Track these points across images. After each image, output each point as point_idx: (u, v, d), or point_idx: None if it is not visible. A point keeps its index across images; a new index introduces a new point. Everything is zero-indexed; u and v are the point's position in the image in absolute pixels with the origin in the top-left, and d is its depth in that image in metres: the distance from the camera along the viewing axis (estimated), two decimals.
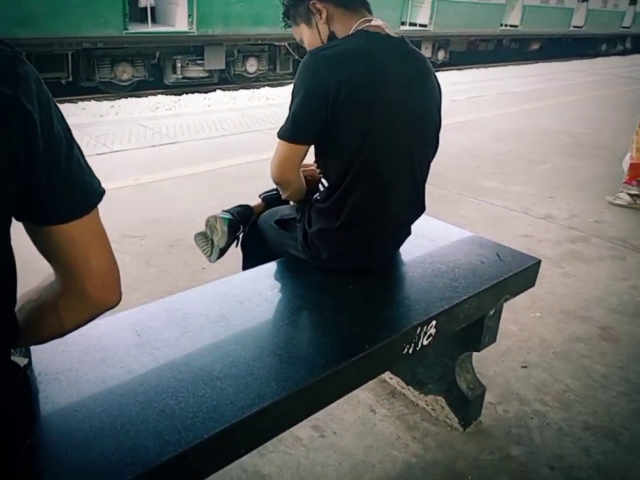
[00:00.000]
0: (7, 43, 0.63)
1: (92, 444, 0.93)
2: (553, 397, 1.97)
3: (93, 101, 8.64)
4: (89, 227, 0.75)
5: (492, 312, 1.64)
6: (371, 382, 2.01)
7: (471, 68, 14.46)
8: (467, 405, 1.79)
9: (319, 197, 1.49)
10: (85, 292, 0.77)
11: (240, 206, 1.84)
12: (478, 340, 1.68)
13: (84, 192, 0.73)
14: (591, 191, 4.17)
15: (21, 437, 0.82)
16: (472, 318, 1.56)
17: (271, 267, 1.58)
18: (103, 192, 0.76)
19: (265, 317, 1.33)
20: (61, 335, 0.86)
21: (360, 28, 1.37)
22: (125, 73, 9.36)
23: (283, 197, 1.61)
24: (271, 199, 1.83)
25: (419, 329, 1.35)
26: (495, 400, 1.95)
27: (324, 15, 1.41)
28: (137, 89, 9.55)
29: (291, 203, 1.70)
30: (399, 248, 1.63)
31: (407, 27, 12.95)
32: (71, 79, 8.79)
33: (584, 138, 5.87)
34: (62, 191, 0.70)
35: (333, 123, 1.32)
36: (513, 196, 4.02)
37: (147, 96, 9.27)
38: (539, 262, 1.71)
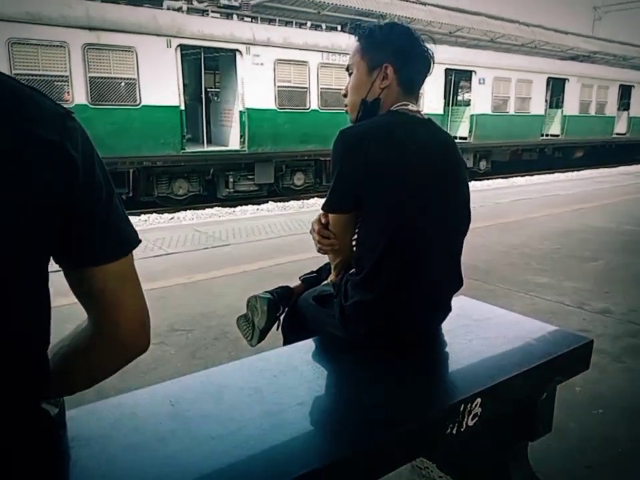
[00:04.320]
0: (60, 105, 0.73)
1: None
2: None
3: (154, 214, 9.25)
4: (123, 271, 0.79)
5: (544, 395, 1.53)
6: None
7: (515, 176, 14.71)
8: None
9: (354, 271, 1.51)
10: (115, 334, 0.80)
11: (280, 287, 1.87)
12: (531, 427, 1.55)
13: (120, 237, 0.79)
14: None
15: None
16: (521, 400, 1.46)
17: (308, 343, 1.56)
18: (138, 240, 0.81)
19: (300, 391, 1.29)
20: (91, 384, 0.87)
21: (394, 109, 1.47)
22: (181, 188, 10.11)
23: (332, 263, 1.64)
24: (309, 280, 1.85)
25: (463, 406, 1.28)
26: None
27: (385, 83, 1.48)
28: (192, 203, 10.20)
29: (327, 281, 1.72)
30: (439, 324, 1.59)
31: None
32: (131, 194, 9.52)
33: (637, 235, 5.71)
34: (99, 235, 0.76)
35: (365, 193, 1.40)
36: (566, 291, 3.88)
37: (204, 208, 9.86)
38: (591, 342, 1.62)
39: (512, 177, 14.55)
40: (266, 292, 1.84)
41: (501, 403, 1.38)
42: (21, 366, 0.72)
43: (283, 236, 5.65)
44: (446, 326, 1.63)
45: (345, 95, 1.58)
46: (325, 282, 1.76)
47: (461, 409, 1.27)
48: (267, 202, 10.49)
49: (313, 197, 11.07)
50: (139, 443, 1.08)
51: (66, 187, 0.70)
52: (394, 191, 1.39)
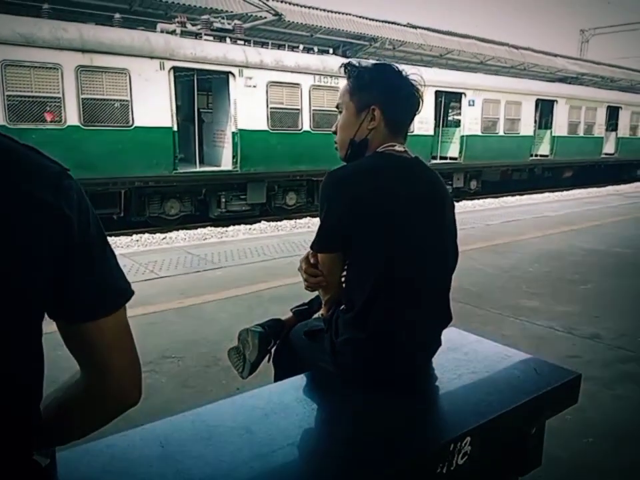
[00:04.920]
0: (55, 161, 0.75)
1: None
2: None
3: (146, 234, 9.23)
4: (115, 325, 0.80)
5: (533, 430, 1.55)
6: None
7: (506, 195, 14.86)
8: None
9: (344, 308, 1.52)
10: (107, 388, 0.81)
11: (272, 320, 1.88)
12: (521, 462, 1.56)
13: (112, 292, 0.80)
14: (638, 310, 4.01)
15: None
16: (511, 436, 1.47)
17: (299, 379, 1.57)
18: (131, 292, 0.82)
19: (290, 430, 1.30)
20: (83, 435, 0.88)
21: (380, 151, 1.50)
22: (173, 208, 10.10)
23: (323, 299, 1.65)
24: (300, 313, 1.87)
25: (453, 445, 1.29)
26: None
27: (373, 124, 1.51)
28: (184, 223, 10.20)
29: (318, 314, 1.74)
30: (429, 359, 1.61)
31: (437, 161, 13.73)
32: (122, 214, 9.52)
33: (626, 258, 5.78)
34: (92, 291, 0.77)
35: (353, 233, 1.43)
36: (556, 315, 3.91)
37: (196, 228, 9.85)
38: (579, 376, 1.64)
39: (502, 196, 14.69)
40: (257, 325, 1.85)
41: (490, 440, 1.39)
42: (13, 420, 0.73)
43: (276, 258, 5.66)
44: (436, 360, 1.64)
45: (335, 132, 1.62)
46: (316, 315, 1.78)
47: (451, 448, 1.28)
48: (259, 221, 10.51)
49: (305, 217, 11.11)
50: None
51: (61, 247, 0.71)
52: (381, 231, 1.42)
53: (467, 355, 1.74)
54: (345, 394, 1.50)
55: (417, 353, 1.53)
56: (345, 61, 1.65)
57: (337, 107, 1.61)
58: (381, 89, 1.49)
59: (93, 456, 1.17)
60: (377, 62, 1.60)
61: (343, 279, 1.54)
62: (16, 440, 0.74)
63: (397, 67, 1.54)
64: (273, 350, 1.86)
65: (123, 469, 1.14)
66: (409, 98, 1.52)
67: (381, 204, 1.42)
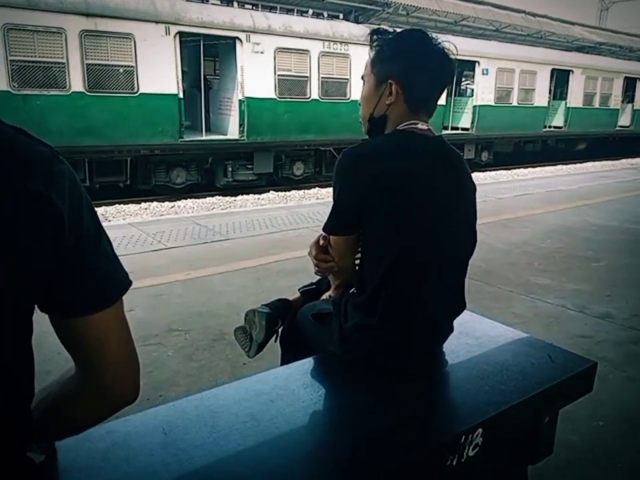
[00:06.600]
0: (46, 144, 0.68)
1: None
2: None
3: (154, 202, 9.20)
4: (111, 319, 0.75)
5: (546, 420, 1.50)
6: None
7: (519, 167, 14.64)
8: None
9: (355, 291, 1.47)
10: (102, 385, 0.76)
11: (279, 300, 1.84)
12: (532, 451, 1.52)
13: (109, 285, 0.74)
14: None
15: None
16: (523, 426, 1.43)
17: (306, 363, 1.52)
18: (128, 284, 0.76)
19: (296, 417, 1.26)
20: (79, 431, 0.84)
21: (401, 128, 1.41)
22: (179, 177, 10.03)
23: (333, 284, 1.60)
24: (308, 293, 1.82)
25: (464, 437, 1.24)
26: None
27: (390, 98, 1.40)
28: (191, 191, 10.14)
29: (325, 295, 1.69)
30: (441, 345, 1.55)
31: (448, 131, 13.48)
32: (128, 182, 9.48)
33: (639, 234, 5.67)
34: (87, 284, 0.71)
35: (368, 215, 1.36)
36: (568, 294, 3.84)
37: (204, 197, 9.80)
38: (595, 365, 1.58)
39: (514, 168, 14.48)
40: (264, 305, 1.80)
41: (502, 431, 1.35)
42: (3, 420, 0.69)
43: (284, 230, 5.60)
44: (448, 345, 1.59)
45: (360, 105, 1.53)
46: (324, 297, 1.72)
47: (462, 440, 1.24)
48: (267, 191, 10.43)
49: (313, 187, 11.00)
50: (130, 476, 1.05)
51: (52, 239, 0.66)
52: (398, 213, 1.34)
53: (479, 340, 1.69)
54: (352, 381, 1.45)
55: (429, 340, 1.47)
56: (368, 28, 1.55)
57: (362, 78, 1.52)
58: (400, 62, 1.37)
59: (93, 443, 1.14)
60: (403, 30, 1.48)
61: (357, 262, 1.48)
62: (6, 440, 0.70)
63: (425, 35, 1.40)
64: (279, 330, 1.82)
65: (123, 456, 1.11)
66: (434, 71, 1.39)
67: (399, 184, 1.33)
